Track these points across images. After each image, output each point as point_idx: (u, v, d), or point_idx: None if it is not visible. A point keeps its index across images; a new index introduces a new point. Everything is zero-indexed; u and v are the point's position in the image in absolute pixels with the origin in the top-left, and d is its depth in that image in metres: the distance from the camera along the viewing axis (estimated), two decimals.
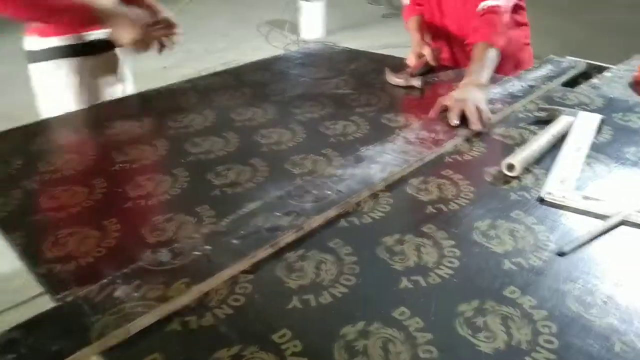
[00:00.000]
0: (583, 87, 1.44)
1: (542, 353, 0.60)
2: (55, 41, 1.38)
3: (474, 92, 1.19)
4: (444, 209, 0.88)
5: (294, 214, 0.85)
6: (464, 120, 1.14)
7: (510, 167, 0.97)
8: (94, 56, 1.44)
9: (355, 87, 1.47)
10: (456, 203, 0.89)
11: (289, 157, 1.08)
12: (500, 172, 0.98)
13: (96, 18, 1.26)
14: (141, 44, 1.33)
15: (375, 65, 1.65)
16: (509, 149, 1.06)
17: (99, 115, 1.34)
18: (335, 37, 5.46)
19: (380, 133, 1.16)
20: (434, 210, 0.87)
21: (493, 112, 1.20)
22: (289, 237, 0.80)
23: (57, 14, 1.23)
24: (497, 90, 1.35)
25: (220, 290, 0.71)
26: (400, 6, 1.90)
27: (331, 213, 0.86)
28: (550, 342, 0.61)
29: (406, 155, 1.03)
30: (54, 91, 1.41)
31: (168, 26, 1.43)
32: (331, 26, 5.82)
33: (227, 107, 1.37)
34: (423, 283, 0.71)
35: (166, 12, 1.46)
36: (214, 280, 0.72)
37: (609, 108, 1.26)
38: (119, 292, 0.69)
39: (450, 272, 0.73)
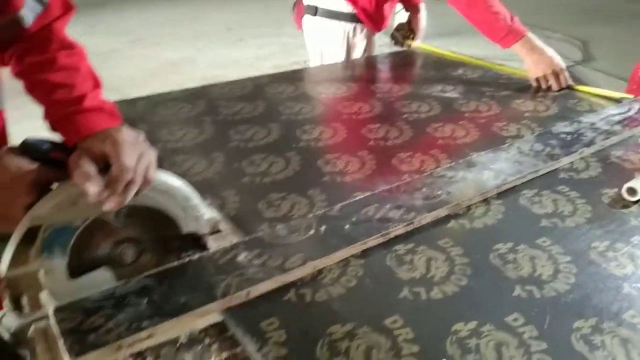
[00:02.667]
0: None
1: None
2: None
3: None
4: (560, 224, 0.86)
5: (404, 209, 0.86)
6: None
7: (632, 191, 0.93)
8: None
9: (464, 93, 1.45)
10: (573, 220, 0.87)
11: (396, 154, 1.10)
12: (619, 195, 0.94)
13: None
14: None
15: (482, 73, 1.63)
16: (627, 173, 1.02)
17: (218, 95, 1.42)
18: (431, 43, 5.39)
19: (491, 141, 1.14)
20: (550, 225, 0.85)
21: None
22: (399, 229, 0.82)
23: None
24: (615, 112, 1.29)
25: (333, 270, 0.74)
26: None
27: (442, 212, 0.87)
28: None
29: (520, 165, 1.01)
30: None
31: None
32: (430, 32, 5.76)
33: (335, 98, 1.40)
34: (537, 294, 0.70)
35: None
36: (327, 260, 0.75)
37: None
38: (241, 258, 0.73)
39: (567, 287, 0.71)
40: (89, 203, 0.63)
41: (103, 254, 0.71)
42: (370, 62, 1.84)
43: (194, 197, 0.75)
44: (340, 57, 1.89)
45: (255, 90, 1.46)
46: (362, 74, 1.68)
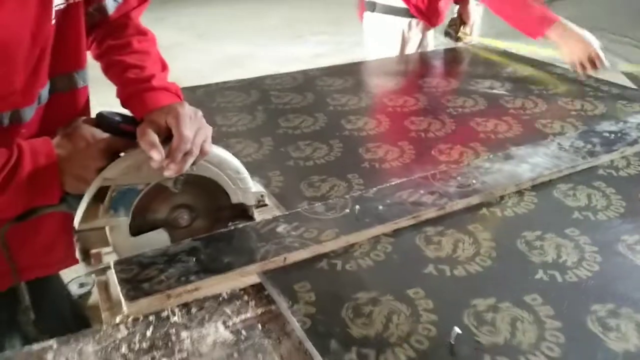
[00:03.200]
0: None
1: None
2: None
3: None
4: (591, 217, 0.87)
5: (437, 194, 0.90)
6: None
7: None
8: None
9: (511, 90, 1.47)
10: (604, 214, 0.88)
11: (436, 145, 1.14)
12: None
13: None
14: None
15: (533, 71, 1.63)
16: None
17: (270, 86, 1.50)
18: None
19: (533, 136, 1.16)
20: (581, 217, 0.87)
21: None
22: (430, 213, 0.86)
23: None
24: None
25: (364, 245, 0.79)
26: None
27: (474, 200, 0.90)
28: None
29: (559, 160, 1.03)
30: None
31: None
32: (487, 30, 5.67)
33: (382, 91, 1.45)
34: (559, 279, 0.73)
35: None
36: (360, 236, 0.80)
37: None
38: (280, 229, 0.80)
39: (589, 274, 0.74)
40: (151, 169, 0.72)
41: (161, 216, 0.80)
42: (421, 57, 1.87)
43: (243, 171, 0.83)
44: (394, 52, 1.94)
45: (305, 82, 1.53)
46: (411, 69, 1.72)
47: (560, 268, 0.75)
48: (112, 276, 0.72)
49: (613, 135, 1.14)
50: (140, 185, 0.76)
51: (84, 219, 0.73)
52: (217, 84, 1.52)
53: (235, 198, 0.83)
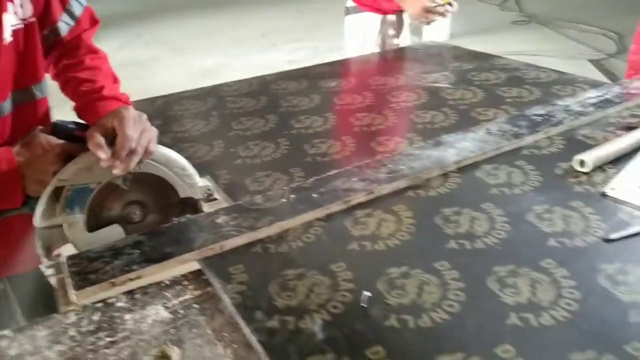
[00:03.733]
0: None
1: (559, 311, 0.68)
2: None
3: None
4: (507, 192, 0.96)
5: (368, 181, 0.98)
6: None
7: (582, 163, 1.01)
8: None
9: (454, 83, 1.55)
10: (520, 188, 0.97)
11: (376, 138, 1.22)
12: (573, 167, 1.03)
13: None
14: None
15: (479, 64, 1.72)
16: (588, 149, 1.10)
17: (227, 92, 1.58)
18: (459, 41, 5.42)
19: (467, 124, 1.24)
20: (497, 192, 0.96)
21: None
22: (360, 198, 0.94)
23: None
24: (593, 94, 1.36)
25: (297, 230, 0.87)
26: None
27: (401, 184, 0.98)
28: (570, 304, 0.69)
29: (484, 144, 1.11)
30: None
31: None
32: (457, 30, 5.80)
33: (333, 91, 1.53)
34: (468, 246, 0.81)
35: None
36: (294, 221, 0.88)
37: None
38: (220, 220, 0.88)
39: (496, 241, 0.82)
40: (101, 169, 0.81)
41: (115, 213, 0.89)
42: (372, 57, 1.96)
43: (189, 168, 0.91)
44: (356, 50, 2.08)
45: (261, 87, 1.61)
46: (364, 68, 1.80)
47: (470, 237, 0.83)
48: (66, 269, 0.79)
49: (540, 118, 1.23)
50: (93, 185, 0.84)
51: (43, 217, 0.81)
52: (176, 93, 1.59)
53: (183, 193, 0.91)
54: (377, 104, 1.43)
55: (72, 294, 0.73)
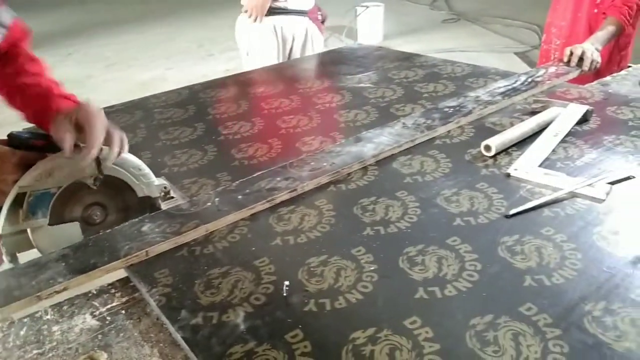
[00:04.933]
0: (592, 85, 1.53)
1: (461, 282, 0.74)
2: None
3: (589, 46, 1.63)
4: (420, 179, 1.03)
5: (291, 179, 1.03)
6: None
7: (488, 148, 1.10)
8: None
9: (376, 82, 1.63)
10: (431, 175, 1.04)
11: (301, 138, 1.27)
12: (480, 152, 1.11)
13: None
14: None
15: (400, 63, 1.80)
16: (495, 135, 1.19)
17: (155, 104, 1.59)
18: (392, 42, 5.60)
19: (386, 120, 1.31)
20: (411, 181, 1.02)
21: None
22: (283, 196, 0.98)
23: None
24: (502, 84, 1.46)
25: (222, 231, 0.90)
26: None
27: (323, 180, 1.03)
28: (472, 275, 0.76)
29: (400, 137, 1.18)
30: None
31: None
32: (390, 31, 5.96)
33: (261, 97, 1.57)
34: (382, 232, 0.87)
35: None
36: (219, 223, 0.91)
37: (605, 102, 1.34)
38: (145, 228, 0.90)
39: (408, 224, 0.88)
40: (61, 174, 0.85)
41: (77, 215, 0.91)
42: (300, 62, 2.01)
43: (144, 167, 0.96)
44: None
45: (189, 96, 1.63)
46: (291, 73, 1.85)
47: (385, 224, 0.89)
48: None
49: (452, 109, 1.32)
50: (53, 189, 0.87)
51: (7, 225, 0.83)
52: (104, 108, 1.58)
53: (141, 192, 0.95)
54: (303, 107, 1.48)
55: None
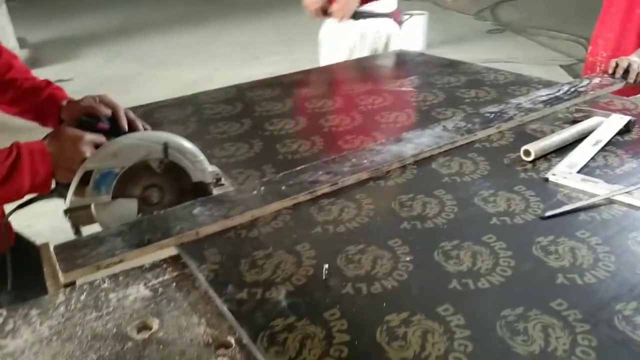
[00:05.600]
0: (637, 97, 1.52)
1: (495, 277, 0.77)
2: None
3: (636, 58, 1.62)
4: (458, 180, 1.06)
5: (332, 174, 1.07)
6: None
7: (527, 152, 1.12)
8: None
9: (418, 86, 1.66)
10: (470, 177, 1.07)
11: (343, 137, 1.31)
12: (519, 157, 1.13)
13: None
14: None
15: (442, 69, 1.83)
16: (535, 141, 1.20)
17: (204, 100, 1.67)
18: (435, 50, 5.59)
19: (427, 123, 1.34)
20: (449, 181, 1.06)
21: None
22: (324, 188, 1.03)
23: None
24: (544, 93, 1.47)
25: (266, 217, 0.96)
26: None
27: (363, 176, 1.08)
28: (505, 271, 0.78)
29: (440, 139, 1.21)
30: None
31: None
32: (433, 40, 5.96)
33: (305, 97, 1.63)
34: (419, 226, 0.90)
35: None
36: (263, 210, 0.97)
37: None
38: (196, 211, 0.96)
39: (444, 221, 0.92)
40: (124, 155, 0.94)
41: (136, 194, 0.99)
42: (345, 65, 2.06)
43: (200, 154, 1.03)
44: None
45: (236, 94, 1.70)
46: (334, 76, 1.90)
47: (422, 219, 0.92)
48: (53, 255, 0.87)
49: (493, 114, 1.34)
50: (117, 169, 0.95)
51: (74, 199, 0.92)
52: (155, 102, 1.67)
53: (196, 177, 1.02)
54: (345, 107, 1.52)
55: (61, 276, 0.81)
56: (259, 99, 1.65)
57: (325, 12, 2.25)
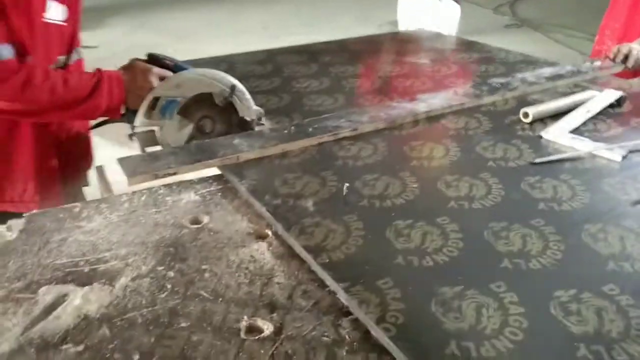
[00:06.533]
0: (634, 79, 1.65)
1: (546, 259, 0.92)
2: None
3: (637, 45, 1.72)
4: (463, 133, 1.21)
5: (353, 122, 1.23)
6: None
7: (526, 114, 1.26)
8: None
9: (434, 59, 1.81)
10: (473, 131, 1.22)
11: (364, 96, 1.47)
12: (519, 119, 1.28)
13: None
14: None
15: (458, 47, 1.97)
16: None
17: (232, 59, 1.82)
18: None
19: (439, 89, 1.49)
20: (455, 134, 1.21)
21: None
22: (345, 132, 1.19)
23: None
24: (548, 70, 1.61)
25: (295, 152, 1.11)
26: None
27: (380, 125, 1.23)
28: (555, 254, 0.94)
29: (450, 101, 1.36)
30: None
31: None
32: (463, 27, 6.06)
33: (329, 63, 1.78)
34: (426, 165, 1.06)
35: None
36: (293, 145, 1.12)
37: None
38: (236, 141, 1.12)
39: (447, 162, 1.07)
40: (187, 86, 1.11)
41: (193, 122, 1.16)
42: (367, 40, 2.20)
43: (247, 93, 1.18)
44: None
45: (267, 57, 1.86)
46: (358, 48, 2.05)
47: (429, 159, 1.08)
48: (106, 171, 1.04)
49: (499, 85, 1.48)
50: (179, 98, 1.12)
51: (143, 122, 1.09)
52: (191, 59, 1.83)
53: (242, 113, 1.18)
54: (365, 73, 1.68)
55: (127, 181, 0.97)
56: (286, 62, 1.80)
57: None
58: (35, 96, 1.02)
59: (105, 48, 5.58)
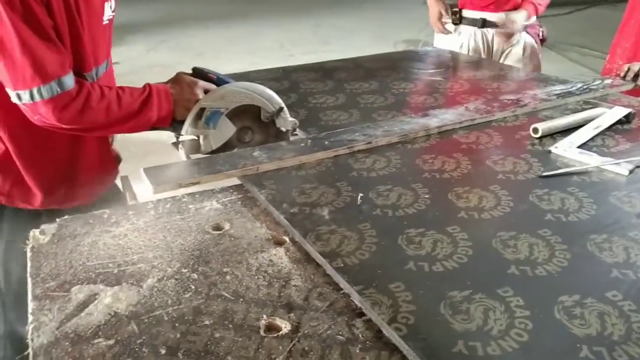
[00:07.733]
0: None
1: (552, 267, 0.96)
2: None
3: None
4: (474, 147, 1.25)
5: (367, 135, 1.28)
6: None
7: (535, 130, 1.30)
8: None
9: (446, 77, 1.85)
10: (484, 145, 1.26)
11: (378, 111, 1.52)
12: (529, 134, 1.32)
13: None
14: None
15: (469, 64, 2.02)
16: None
17: (250, 78, 1.89)
18: None
19: (452, 106, 1.54)
20: (466, 147, 1.25)
21: None
22: (360, 145, 1.24)
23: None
24: (559, 87, 1.65)
25: (311, 163, 1.16)
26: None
27: (393, 139, 1.28)
28: (562, 262, 0.97)
29: (461, 117, 1.41)
30: None
31: None
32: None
33: (344, 80, 1.84)
34: (438, 176, 1.10)
35: None
36: (309, 157, 1.18)
37: None
38: (256, 153, 1.17)
39: (458, 174, 1.11)
40: (229, 98, 1.18)
41: (234, 131, 1.23)
42: (380, 57, 2.26)
43: (284, 105, 1.26)
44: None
45: (283, 75, 1.92)
46: (370, 65, 2.10)
47: (440, 172, 1.12)
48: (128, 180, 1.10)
49: (510, 101, 1.53)
50: (223, 109, 1.19)
51: (189, 130, 1.16)
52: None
53: (279, 124, 1.25)
54: (379, 90, 1.73)
55: (152, 190, 1.03)
56: (302, 79, 1.86)
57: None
58: (92, 117, 1.07)
59: (127, 64, 5.73)
